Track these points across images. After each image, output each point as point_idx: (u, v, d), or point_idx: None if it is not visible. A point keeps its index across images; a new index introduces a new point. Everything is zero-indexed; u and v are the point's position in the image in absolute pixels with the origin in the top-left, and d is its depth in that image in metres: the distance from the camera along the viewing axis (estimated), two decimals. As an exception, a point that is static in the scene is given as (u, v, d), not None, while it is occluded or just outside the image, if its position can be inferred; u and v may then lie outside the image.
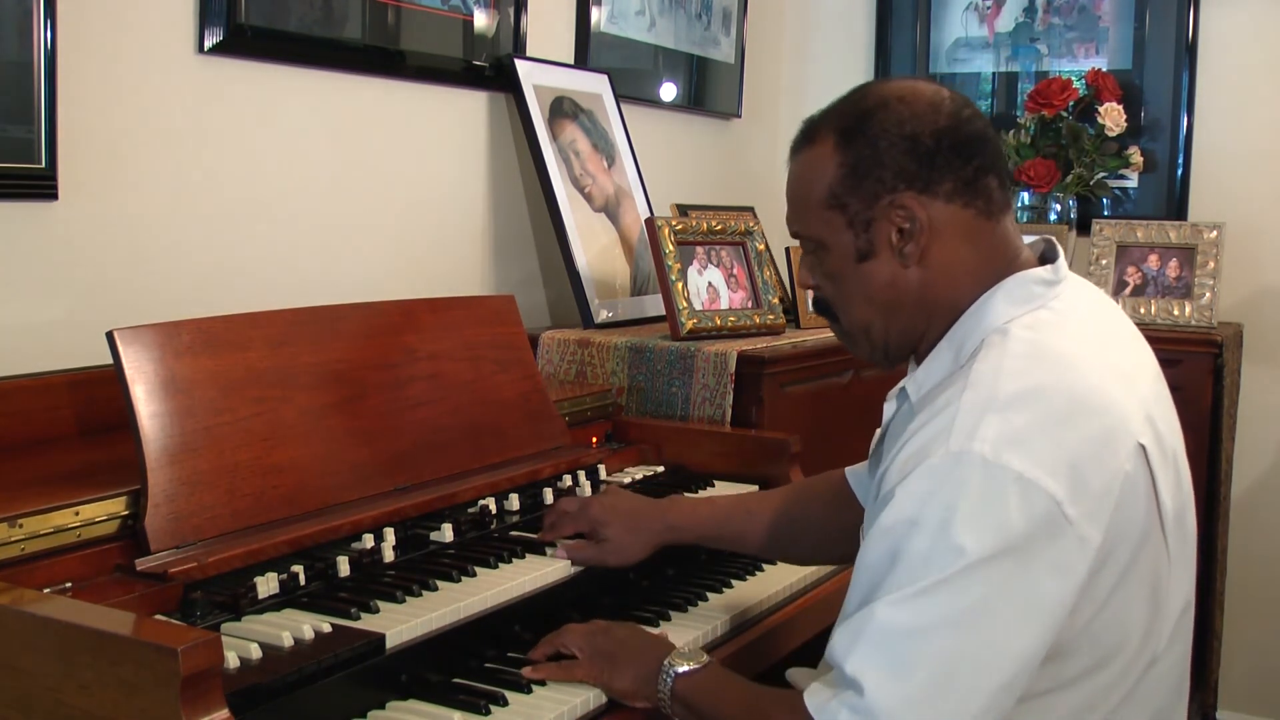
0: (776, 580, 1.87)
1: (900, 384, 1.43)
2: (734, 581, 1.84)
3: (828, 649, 1.24)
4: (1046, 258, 1.42)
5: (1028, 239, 1.45)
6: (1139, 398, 1.32)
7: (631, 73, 3.14)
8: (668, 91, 3.32)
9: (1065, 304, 1.36)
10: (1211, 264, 3.19)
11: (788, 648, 1.77)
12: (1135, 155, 3.35)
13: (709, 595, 1.77)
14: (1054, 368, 1.28)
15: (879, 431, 1.51)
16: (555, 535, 1.73)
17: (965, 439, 1.21)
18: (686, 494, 2.04)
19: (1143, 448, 1.28)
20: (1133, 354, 1.41)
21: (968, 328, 1.35)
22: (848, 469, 1.75)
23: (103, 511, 1.42)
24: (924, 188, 1.34)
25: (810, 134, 1.42)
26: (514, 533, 1.79)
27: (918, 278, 1.37)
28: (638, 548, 1.72)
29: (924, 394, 1.36)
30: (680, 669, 1.39)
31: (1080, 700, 1.30)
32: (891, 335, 1.42)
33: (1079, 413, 1.24)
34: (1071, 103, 3.34)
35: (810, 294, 1.55)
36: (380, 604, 1.44)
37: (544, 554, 1.70)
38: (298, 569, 1.49)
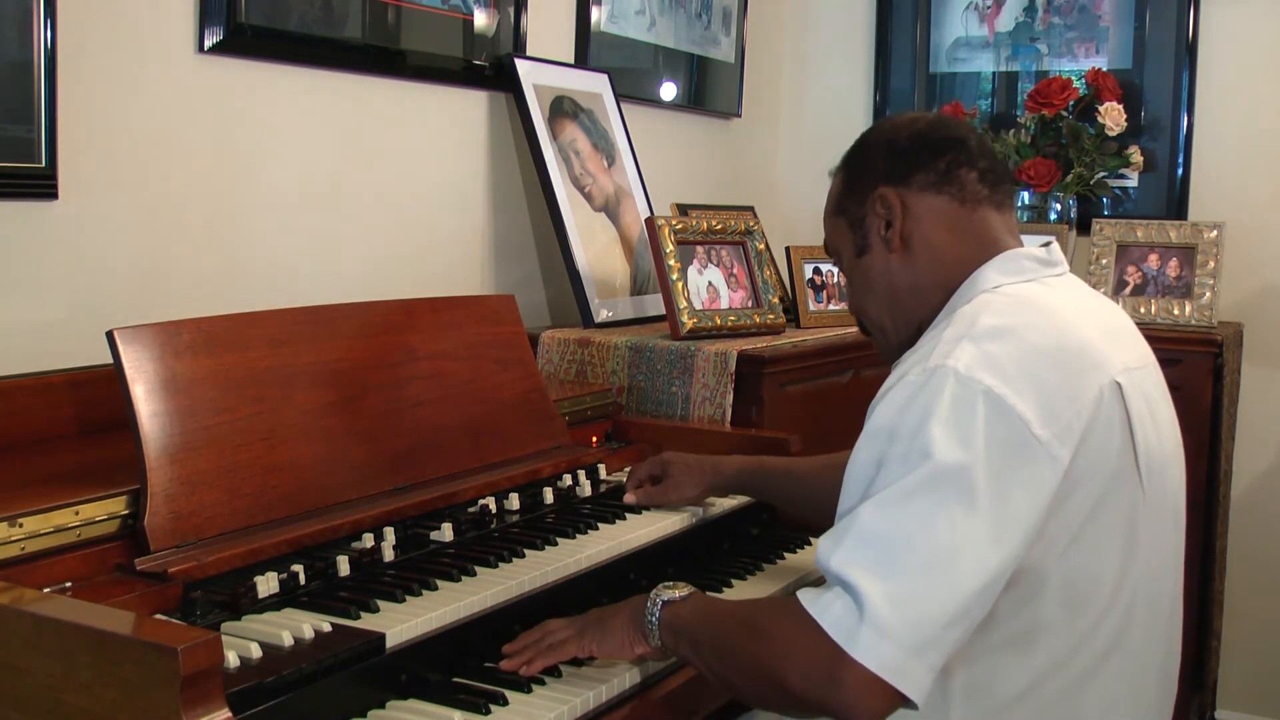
0: (777, 580, 1.87)
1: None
2: (734, 581, 1.84)
3: (817, 554, 1.29)
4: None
5: (1029, 239, 1.55)
6: (1120, 358, 1.39)
7: (631, 72, 3.14)
8: (668, 91, 3.32)
9: (1063, 282, 1.47)
10: (1211, 264, 3.19)
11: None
12: (1135, 155, 3.35)
13: (708, 595, 1.77)
14: (1034, 312, 1.38)
15: None
16: (632, 477, 1.99)
17: (940, 358, 1.30)
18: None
19: (1119, 385, 1.34)
20: (1125, 332, 1.48)
21: (961, 295, 1.45)
22: None
23: (103, 511, 1.42)
24: (899, 181, 1.50)
25: (837, 168, 1.62)
26: (514, 530, 1.79)
27: (905, 263, 1.50)
28: (693, 487, 1.95)
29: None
30: (665, 597, 1.44)
31: (1060, 648, 1.33)
32: (900, 327, 1.52)
33: (1053, 348, 1.33)
34: (1071, 102, 3.33)
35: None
36: (380, 603, 1.44)
37: (543, 552, 1.70)
38: (298, 568, 1.49)
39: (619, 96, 2.97)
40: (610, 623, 1.48)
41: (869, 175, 1.52)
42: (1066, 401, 1.29)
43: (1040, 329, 1.34)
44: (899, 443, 1.27)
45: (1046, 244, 1.51)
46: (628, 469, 2.18)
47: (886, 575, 1.22)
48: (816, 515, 1.91)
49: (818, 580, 1.35)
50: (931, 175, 1.48)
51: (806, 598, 1.26)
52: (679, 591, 1.45)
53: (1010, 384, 1.27)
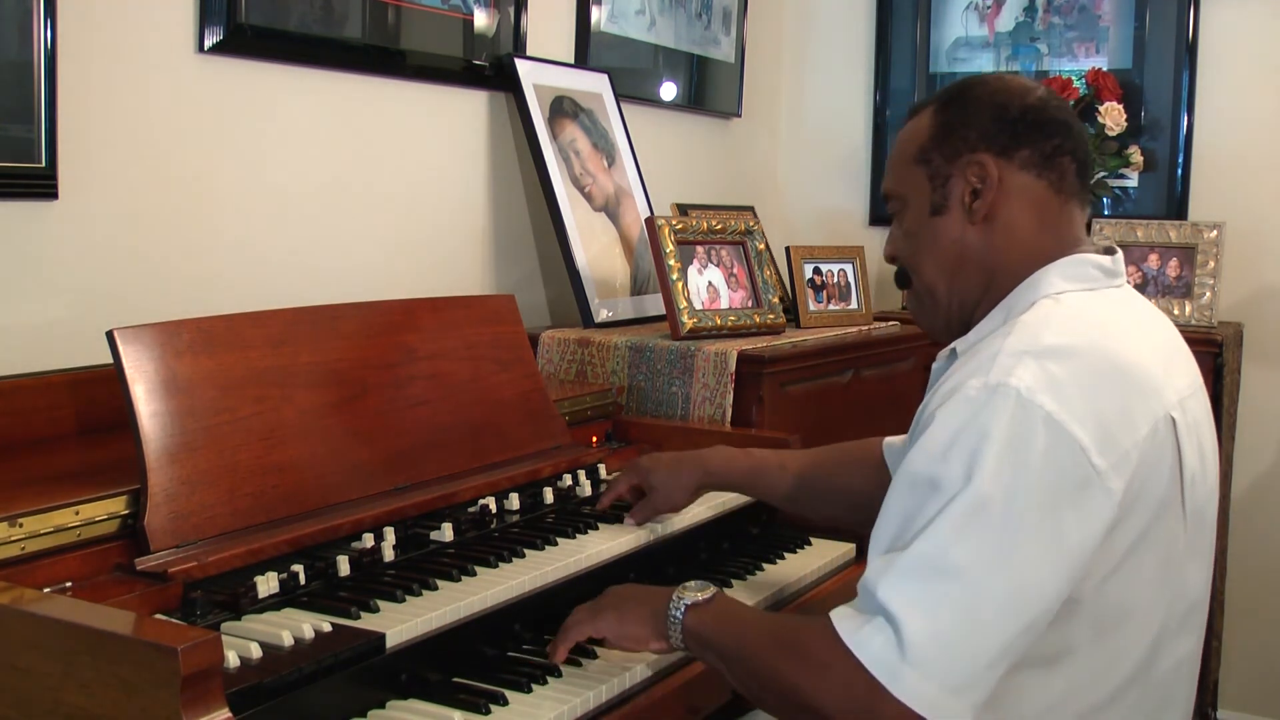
0: (778, 579, 1.87)
1: (950, 345, 1.47)
2: (734, 581, 1.84)
3: (863, 575, 1.27)
4: (1107, 253, 1.47)
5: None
6: (1174, 382, 1.36)
7: (631, 72, 3.14)
8: (668, 91, 3.32)
9: (1121, 295, 1.43)
10: (1211, 263, 3.19)
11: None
12: (1135, 155, 3.35)
13: (732, 599, 1.77)
14: (1097, 331, 1.33)
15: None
16: (611, 493, 1.88)
17: (1003, 374, 1.26)
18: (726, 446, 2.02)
19: (1172, 420, 1.32)
20: (1179, 353, 1.46)
21: (1020, 295, 1.41)
22: (885, 440, 1.77)
23: (103, 511, 1.42)
24: (1001, 151, 1.42)
25: (915, 109, 1.54)
26: (515, 531, 1.79)
27: (982, 238, 1.43)
28: (681, 491, 1.85)
29: (970, 346, 1.41)
30: (689, 600, 1.41)
31: (1084, 672, 1.31)
32: (954, 299, 1.47)
33: (1114, 375, 1.29)
34: (1071, 102, 3.34)
35: (894, 271, 1.63)
36: (380, 603, 1.44)
37: (544, 552, 1.70)
38: (298, 568, 1.49)
39: (619, 96, 2.97)
40: (629, 611, 1.46)
41: (970, 134, 1.43)
42: (1125, 431, 1.26)
43: (1101, 351, 1.30)
44: (955, 463, 1.23)
45: (1109, 249, 1.46)
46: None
47: (932, 612, 1.20)
48: (808, 511, 1.89)
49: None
50: (1036, 155, 1.42)
51: (844, 627, 1.24)
52: (702, 594, 1.42)
53: (1071, 409, 1.23)
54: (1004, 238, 1.42)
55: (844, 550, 2.03)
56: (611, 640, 1.48)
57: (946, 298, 1.47)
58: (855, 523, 1.84)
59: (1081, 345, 1.30)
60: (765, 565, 1.93)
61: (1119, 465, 1.25)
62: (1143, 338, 1.39)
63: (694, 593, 1.43)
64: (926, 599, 1.20)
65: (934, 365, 1.51)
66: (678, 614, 1.41)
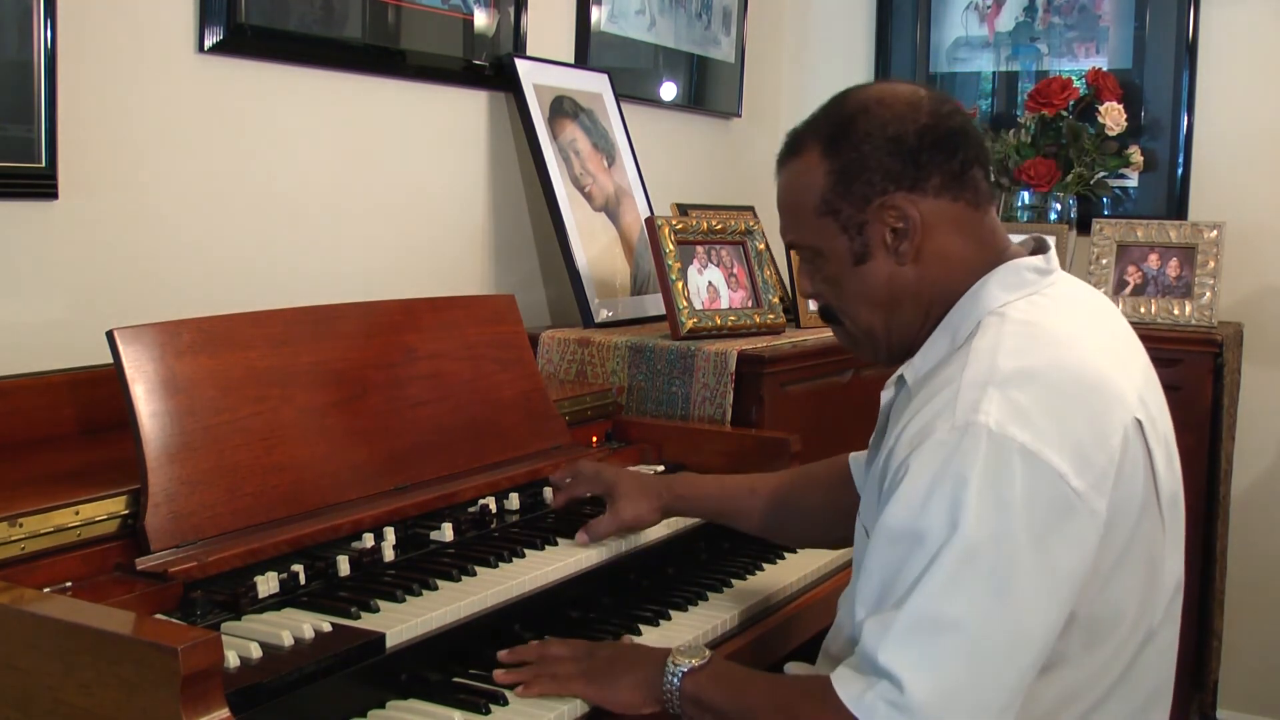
0: (777, 579, 1.87)
1: (897, 371, 1.44)
2: (734, 581, 1.84)
3: (861, 640, 1.24)
4: (1037, 251, 1.44)
5: (1017, 238, 1.48)
6: (1131, 379, 1.35)
7: (631, 72, 3.14)
8: (668, 91, 3.32)
9: (1058, 291, 1.40)
10: (1211, 263, 3.19)
11: (790, 646, 1.77)
12: (1135, 155, 3.35)
13: (709, 594, 1.77)
14: (1051, 347, 1.31)
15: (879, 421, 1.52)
16: (568, 494, 1.82)
17: (969, 412, 1.23)
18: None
19: (1139, 423, 1.30)
20: (1125, 341, 1.43)
21: (963, 313, 1.38)
22: (851, 455, 1.77)
23: (103, 511, 1.42)
24: (912, 185, 1.36)
25: (795, 145, 1.45)
26: (514, 530, 1.79)
27: (914, 273, 1.39)
28: (648, 508, 1.76)
29: (921, 376, 1.38)
30: (685, 667, 1.38)
31: (1076, 679, 1.31)
32: (894, 333, 1.44)
33: (1077, 391, 1.27)
34: (1072, 102, 3.34)
35: (811, 302, 1.58)
36: (380, 603, 1.44)
37: (544, 552, 1.70)
38: (298, 568, 1.49)
39: (619, 96, 2.97)
40: (620, 678, 1.41)
41: (871, 175, 1.36)
42: (1097, 447, 1.25)
43: (1059, 368, 1.28)
44: (937, 512, 1.21)
45: (1040, 247, 1.43)
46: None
47: (936, 669, 1.18)
48: (782, 535, 1.85)
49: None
50: (947, 178, 1.36)
51: (848, 693, 1.22)
52: (697, 659, 1.39)
53: (1043, 437, 1.21)
54: (937, 268, 1.38)
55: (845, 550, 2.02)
56: (602, 705, 1.42)
57: (885, 334, 1.43)
58: (829, 541, 1.83)
59: (1039, 366, 1.27)
60: (765, 565, 1.93)
61: (1099, 484, 1.24)
62: (1093, 338, 1.36)
63: (688, 658, 1.39)
64: (929, 657, 1.19)
65: (883, 394, 1.47)
66: (674, 680, 1.37)
